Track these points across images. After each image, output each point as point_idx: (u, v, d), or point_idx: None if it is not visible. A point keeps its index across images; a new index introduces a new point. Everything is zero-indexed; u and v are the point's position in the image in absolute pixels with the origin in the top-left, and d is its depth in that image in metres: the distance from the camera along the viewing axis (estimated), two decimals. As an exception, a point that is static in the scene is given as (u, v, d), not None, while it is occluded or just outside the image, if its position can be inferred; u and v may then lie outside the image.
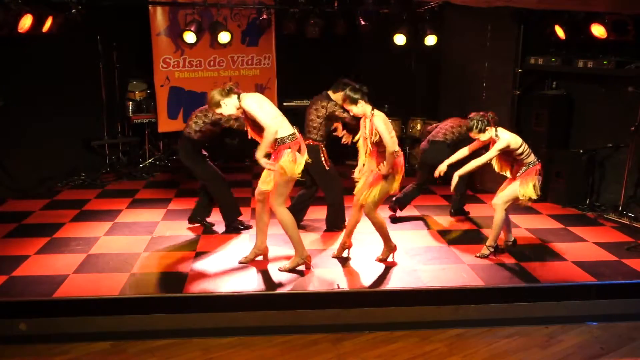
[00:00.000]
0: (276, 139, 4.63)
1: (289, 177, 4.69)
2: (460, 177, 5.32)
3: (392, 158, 4.82)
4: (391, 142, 4.81)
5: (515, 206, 6.04)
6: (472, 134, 5.22)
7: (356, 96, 4.85)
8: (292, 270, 5.02)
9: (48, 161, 7.57)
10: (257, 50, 8.91)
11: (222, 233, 5.99)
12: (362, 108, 4.88)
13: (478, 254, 5.41)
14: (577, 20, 6.42)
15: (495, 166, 5.35)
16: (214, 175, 5.90)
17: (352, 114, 5.03)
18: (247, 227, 6.06)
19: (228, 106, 4.71)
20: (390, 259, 5.30)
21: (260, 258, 5.24)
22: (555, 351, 4.25)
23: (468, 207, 6.81)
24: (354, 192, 5.12)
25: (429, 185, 7.05)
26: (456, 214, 6.64)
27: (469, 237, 5.99)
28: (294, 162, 4.65)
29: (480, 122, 5.14)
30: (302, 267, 5.06)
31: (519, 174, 5.22)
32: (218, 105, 4.71)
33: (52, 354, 4.10)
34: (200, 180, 5.99)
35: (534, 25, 7.01)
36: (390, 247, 5.29)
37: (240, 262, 5.19)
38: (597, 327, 4.58)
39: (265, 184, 4.81)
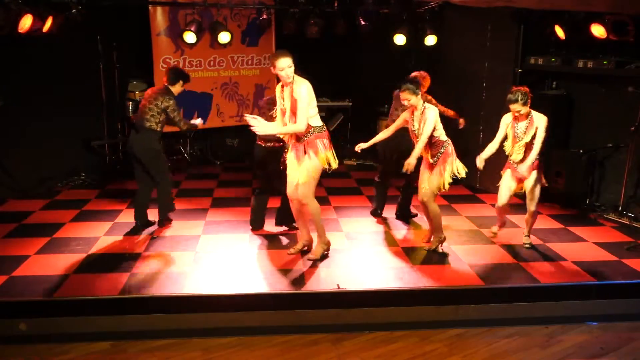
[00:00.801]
0: (310, 128, 4.87)
1: (320, 168, 4.91)
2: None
3: (420, 149, 5.24)
4: (426, 135, 5.18)
5: (512, 206, 6.07)
6: (516, 106, 5.17)
7: (418, 89, 5.17)
8: (321, 259, 5.23)
9: (48, 161, 7.56)
10: (257, 50, 8.92)
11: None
12: (417, 100, 5.18)
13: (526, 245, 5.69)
14: (577, 20, 6.42)
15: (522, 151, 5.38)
16: (167, 171, 5.96)
17: (408, 104, 5.20)
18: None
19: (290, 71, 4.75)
20: (439, 250, 5.49)
21: (306, 248, 5.42)
22: (555, 351, 4.25)
23: (468, 207, 6.81)
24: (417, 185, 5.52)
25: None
26: (400, 218, 6.52)
27: (469, 237, 5.99)
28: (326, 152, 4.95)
29: (525, 95, 5.19)
30: (301, 267, 5.07)
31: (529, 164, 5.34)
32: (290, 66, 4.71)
33: (52, 354, 4.10)
34: (153, 174, 5.85)
35: (534, 25, 7.00)
36: (439, 237, 5.50)
37: (290, 254, 5.33)
38: (597, 327, 4.58)
39: (301, 178, 4.95)
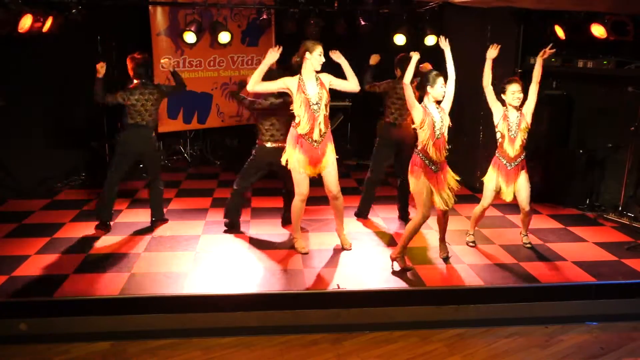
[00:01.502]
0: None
1: None
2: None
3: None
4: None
5: (512, 206, 6.06)
6: (518, 86, 5.25)
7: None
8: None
9: (48, 161, 7.56)
10: (257, 50, 8.91)
11: (221, 232, 6.01)
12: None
13: (527, 245, 5.68)
14: (577, 20, 6.42)
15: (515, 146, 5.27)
16: None
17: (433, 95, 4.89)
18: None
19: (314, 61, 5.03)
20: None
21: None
22: (555, 351, 4.25)
23: (468, 207, 6.80)
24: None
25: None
26: (360, 216, 6.56)
27: (469, 237, 5.99)
28: None
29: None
30: (301, 267, 5.07)
31: (519, 162, 5.31)
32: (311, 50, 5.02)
33: (52, 354, 4.11)
34: (150, 174, 6.10)
35: (534, 25, 7.00)
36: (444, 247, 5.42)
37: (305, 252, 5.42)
38: (597, 327, 4.59)
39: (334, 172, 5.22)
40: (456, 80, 4.99)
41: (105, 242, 5.68)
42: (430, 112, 4.83)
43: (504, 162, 5.31)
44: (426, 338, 4.37)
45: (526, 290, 4.81)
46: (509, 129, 5.24)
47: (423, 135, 4.80)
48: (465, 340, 4.38)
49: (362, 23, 8.13)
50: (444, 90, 4.85)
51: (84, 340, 4.23)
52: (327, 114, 5.09)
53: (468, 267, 5.20)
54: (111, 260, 5.23)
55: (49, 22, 6.64)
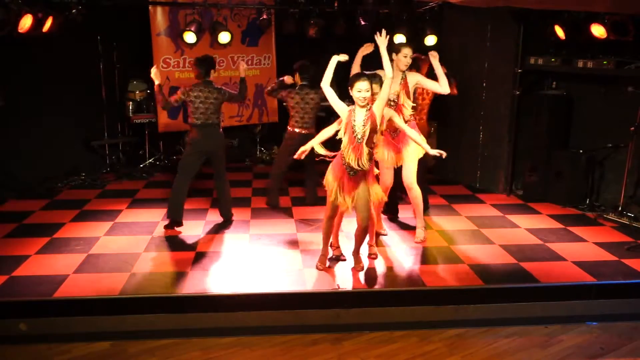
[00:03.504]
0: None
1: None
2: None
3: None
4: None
5: (512, 206, 6.04)
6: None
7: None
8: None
9: (48, 161, 7.57)
10: (257, 50, 8.91)
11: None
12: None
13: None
14: (577, 20, 6.42)
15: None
16: None
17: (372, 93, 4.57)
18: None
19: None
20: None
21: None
22: (555, 351, 4.25)
23: (468, 207, 6.80)
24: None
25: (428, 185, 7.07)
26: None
27: (469, 237, 5.98)
28: None
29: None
30: (301, 267, 5.07)
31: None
32: None
33: (52, 354, 4.10)
34: (222, 169, 6.24)
35: (534, 25, 7.00)
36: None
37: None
38: (597, 327, 4.59)
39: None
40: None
41: (105, 242, 5.68)
42: (354, 116, 4.53)
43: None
44: (426, 338, 4.37)
45: (526, 290, 4.81)
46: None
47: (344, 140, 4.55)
48: (465, 340, 4.38)
49: (362, 23, 8.13)
50: (362, 95, 4.44)
51: (84, 340, 4.23)
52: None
53: (468, 267, 5.20)
54: (111, 260, 5.23)
55: (49, 22, 6.64)
